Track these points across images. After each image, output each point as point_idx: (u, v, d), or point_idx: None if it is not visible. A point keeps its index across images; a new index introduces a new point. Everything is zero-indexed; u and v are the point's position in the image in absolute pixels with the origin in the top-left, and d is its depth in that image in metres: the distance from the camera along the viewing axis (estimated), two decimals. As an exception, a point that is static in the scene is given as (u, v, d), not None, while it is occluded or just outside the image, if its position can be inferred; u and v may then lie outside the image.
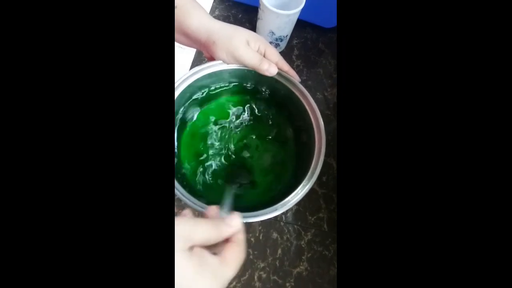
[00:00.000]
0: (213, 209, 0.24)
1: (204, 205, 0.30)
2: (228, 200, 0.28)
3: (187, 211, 0.23)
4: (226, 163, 0.40)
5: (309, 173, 0.32)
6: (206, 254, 0.20)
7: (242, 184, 0.38)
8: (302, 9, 0.44)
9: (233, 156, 0.40)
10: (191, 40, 0.34)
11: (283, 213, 0.42)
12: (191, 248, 0.19)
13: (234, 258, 0.21)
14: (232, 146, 0.41)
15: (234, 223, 0.22)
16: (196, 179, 0.38)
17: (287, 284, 0.38)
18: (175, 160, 0.37)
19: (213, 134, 0.41)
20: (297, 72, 0.37)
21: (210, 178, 0.38)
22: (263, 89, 0.40)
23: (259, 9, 0.46)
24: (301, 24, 0.53)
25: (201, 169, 0.39)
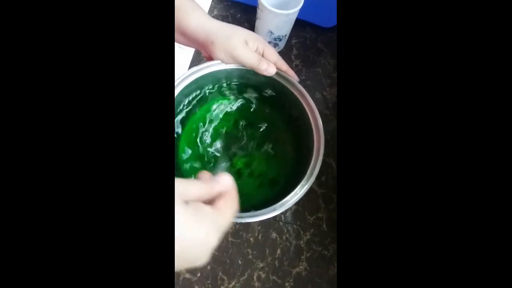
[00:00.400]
0: (205, 173, 0.24)
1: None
2: (220, 169, 0.28)
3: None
4: (223, 161, 0.40)
5: (308, 173, 0.32)
6: (201, 204, 0.21)
7: (235, 155, 0.39)
8: (301, 9, 0.44)
9: (231, 156, 0.40)
10: (190, 40, 0.34)
11: (282, 213, 0.42)
12: (186, 202, 0.20)
13: (228, 207, 0.22)
14: (230, 146, 0.41)
15: (224, 180, 0.23)
16: (194, 176, 0.38)
17: (286, 284, 0.38)
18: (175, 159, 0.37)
19: (211, 134, 0.41)
20: (296, 72, 0.37)
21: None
22: (262, 89, 0.40)
23: (257, 9, 0.46)
24: (300, 24, 0.53)
25: (199, 167, 0.39)
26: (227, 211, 0.22)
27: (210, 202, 0.22)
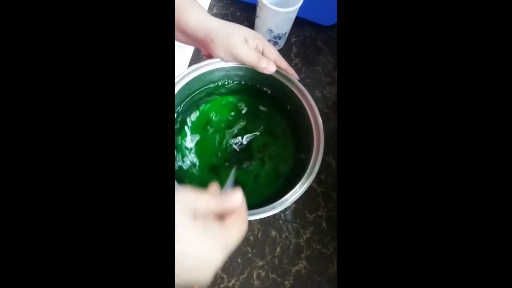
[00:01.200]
0: (214, 185, 0.24)
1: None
2: (230, 180, 0.28)
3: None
4: (224, 159, 0.40)
5: (307, 171, 0.32)
6: (209, 221, 0.20)
7: (242, 167, 0.38)
8: (301, 7, 0.44)
9: (230, 154, 0.40)
10: (189, 38, 0.34)
11: (282, 211, 0.42)
12: (195, 216, 0.19)
13: (236, 226, 0.21)
14: (229, 144, 0.40)
15: (235, 198, 0.22)
16: (194, 176, 0.38)
17: (286, 283, 0.38)
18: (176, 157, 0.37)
19: (211, 132, 0.41)
20: (296, 70, 0.37)
21: (209, 175, 0.38)
22: (261, 87, 0.40)
23: (257, 7, 0.46)
24: (299, 22, 0.53)
25: (200, 167, 0.39)
26: (235, 232, 0.21)
27: (219, 216, 0.21)
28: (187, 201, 0.19)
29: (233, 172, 0.31)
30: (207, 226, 0.20)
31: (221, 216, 0.22)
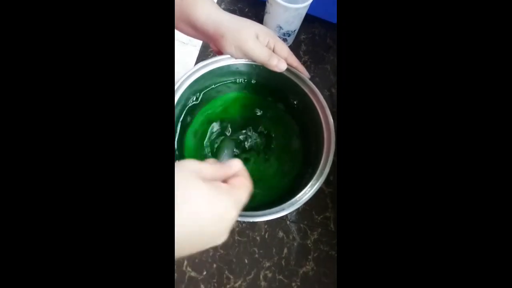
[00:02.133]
0: (211, 159, 0.25)
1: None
2: (225, 154, 0.29)
3: None
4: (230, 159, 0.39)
5: (317, 172, 0.32)
6: (218, 181, 0.22)
7: (242, 153, 0.39)
8: (311, 4, 0.43)
9: (238, 154, 0.39)
10: (199, 32, 0.34)
11: (289, 212, 0.41)
12: (203, 180, 0.20)
13: (242, 184, 0.23)
14: (237, 143, 0.40)
15: (235, 165, 0.23)
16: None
17: (293, 284, 0.38)
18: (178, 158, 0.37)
19: (218, 131, 0.40)
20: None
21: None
22: (271, 85, 0.39)
23: (266, 3, 0.45)
24: (309, 19, 0.52)
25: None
26: (243, 190, 0.22)
27: (222, 182, 0.22)
28: (195, 168, 0.20)
29: (228, 145, 0.30)
30: (217, 185, 0.21)
31: (224, 182, 0.23)
